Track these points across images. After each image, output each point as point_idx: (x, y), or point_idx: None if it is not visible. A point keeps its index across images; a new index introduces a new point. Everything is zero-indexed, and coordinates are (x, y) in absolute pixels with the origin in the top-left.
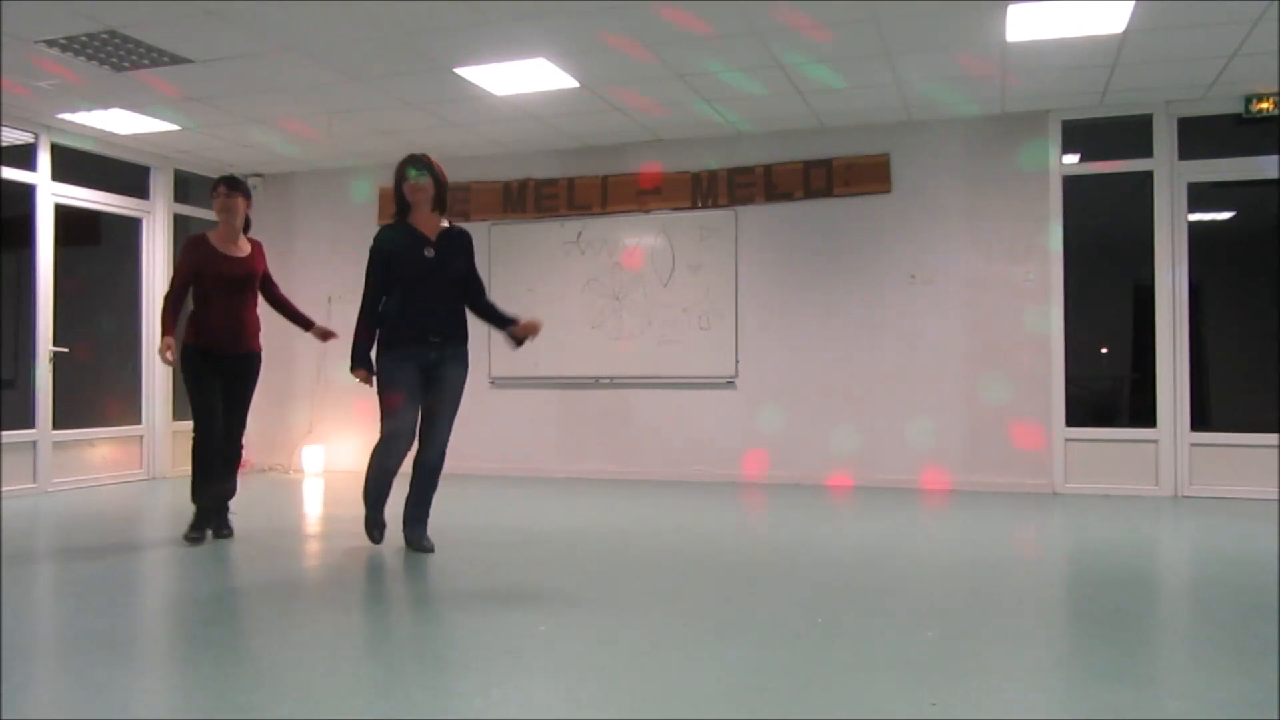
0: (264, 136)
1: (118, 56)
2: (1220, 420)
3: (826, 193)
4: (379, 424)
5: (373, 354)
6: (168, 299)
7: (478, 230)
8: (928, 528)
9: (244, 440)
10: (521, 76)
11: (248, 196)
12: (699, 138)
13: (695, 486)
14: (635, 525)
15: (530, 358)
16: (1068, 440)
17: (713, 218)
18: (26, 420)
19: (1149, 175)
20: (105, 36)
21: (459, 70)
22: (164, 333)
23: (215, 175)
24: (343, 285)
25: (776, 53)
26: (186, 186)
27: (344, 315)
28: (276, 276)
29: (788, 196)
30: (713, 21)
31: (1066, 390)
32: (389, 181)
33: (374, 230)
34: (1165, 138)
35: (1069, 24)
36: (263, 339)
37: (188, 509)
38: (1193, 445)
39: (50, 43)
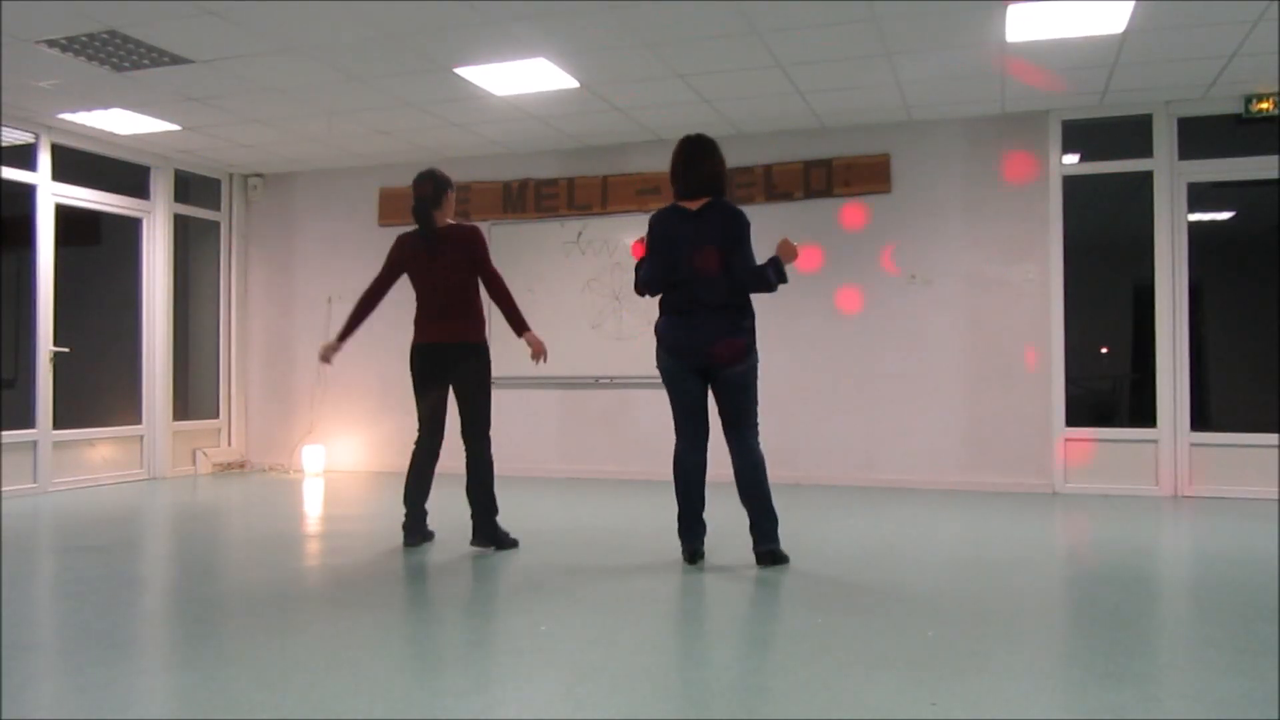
0: (264, 136)
1: (118, 56)
2: (1220, 420)
3: (826, 193)
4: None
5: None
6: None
7: None
8: (927, 527)
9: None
10: (521, 76)
11: None
12: None
13: None
14: (635, 525)
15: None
16: (1068, 440)
17: None
18: (26, 420)
19: (1149, 175)
20: (105, 36)
21: (459, 70)
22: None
23: (215, 175)
24: (343, 285)
25: (776, 53)
26: (186, 186)
27: (344, 315)
28: (276, 278)
29: (788, 196)
30: (713, 21)
31: (1066, 390)
32: (389, 182)
33: (374, 230)
34: (1165, 138)
35: (1069, 24)
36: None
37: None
38: (1192, 445)
39: (50, 43)
